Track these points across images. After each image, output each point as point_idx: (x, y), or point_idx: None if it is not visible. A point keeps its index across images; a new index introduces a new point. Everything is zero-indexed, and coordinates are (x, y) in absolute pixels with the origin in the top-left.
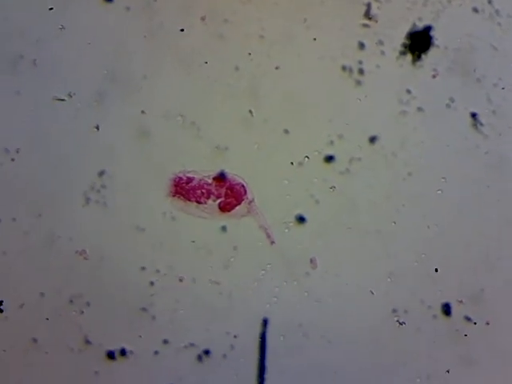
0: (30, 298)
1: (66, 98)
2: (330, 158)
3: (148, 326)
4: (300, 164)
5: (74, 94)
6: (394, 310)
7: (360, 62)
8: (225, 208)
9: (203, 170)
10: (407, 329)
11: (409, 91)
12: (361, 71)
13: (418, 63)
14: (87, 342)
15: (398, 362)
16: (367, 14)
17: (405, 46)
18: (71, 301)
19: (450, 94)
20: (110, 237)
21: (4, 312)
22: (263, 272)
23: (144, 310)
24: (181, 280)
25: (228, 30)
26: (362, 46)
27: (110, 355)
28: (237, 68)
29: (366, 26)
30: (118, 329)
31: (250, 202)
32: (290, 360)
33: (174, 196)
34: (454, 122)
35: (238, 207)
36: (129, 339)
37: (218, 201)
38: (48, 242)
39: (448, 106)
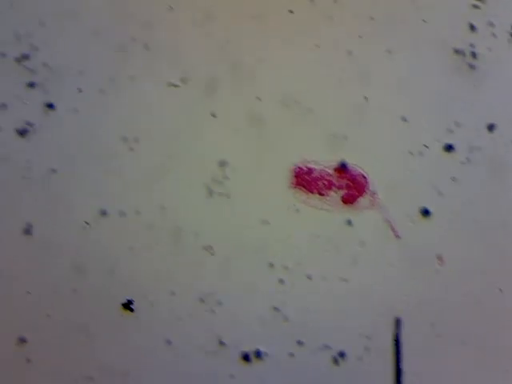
0: (161, 297)
1: (180, 84)
2: (449, 147)
3: (281, 327)
4: (420, 153)
5: (189, 79)
6: None
7: (472, 45)
8: (347, 200)
9: (323, 159)
10: None
11: None
12: (473, 55)
13: None
14: (221, 343)
15: None
16: None
17: None
18: (202, 299)
19: None
20: (235, 231)
21: (135, 312)
22: (391, 268)
23: (276, 309)
24: (309, 277)
25: (337, 11)
26: (472, 28)
27: (245, 357)
28: (349, 52)
29: (475, 6)
30: (251, 329)
31: (373, 194)
32: (426, 361)
33: (295, 187)
34: None
35: (360, 199)
36: (263, 340)
37: (341, 192)
38: (174, 236)
39: None
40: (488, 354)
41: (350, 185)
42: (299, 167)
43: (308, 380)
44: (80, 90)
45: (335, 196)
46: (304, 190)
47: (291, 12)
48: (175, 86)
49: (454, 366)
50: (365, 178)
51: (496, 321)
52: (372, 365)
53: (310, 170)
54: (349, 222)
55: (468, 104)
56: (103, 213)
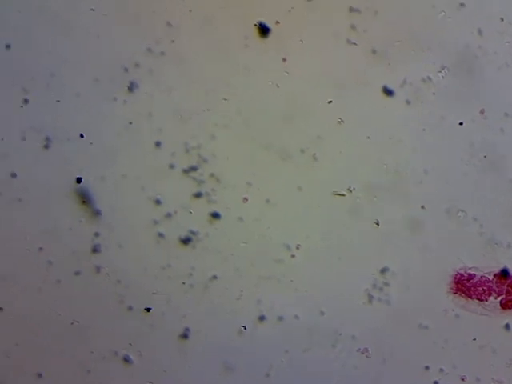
0: None
1: (345, 193)
2: None
3: None
4: None
5: (354, 188)
6: None
7: None
8: (506, 305)
9: (484, 266)
10: None
11: None
12: None
13: None
14: None
15: None
16: None
17: None
18: None
19: None
20: (392, 335)
21: None
22: None
23: None
24: (463, 379)
25: (508, 123)
26: None
27: None
28: None
29: None
30: None
31: None
32: None
33: (455, 293)
34: None
35: None
36: None
37: (500, 298)
38: (331, 340)
39: None
40: None
41: (510, 290)
42: (459, 273)
43: None
44: (246, 200)
45: (494, 302)
46: (463, 295)
47: (461, 124)
48: (340, 194)
49: None
50: None
51: None
52: None
53: (470, 276)
54: (507, 327)
55: None
56: (262, 318)
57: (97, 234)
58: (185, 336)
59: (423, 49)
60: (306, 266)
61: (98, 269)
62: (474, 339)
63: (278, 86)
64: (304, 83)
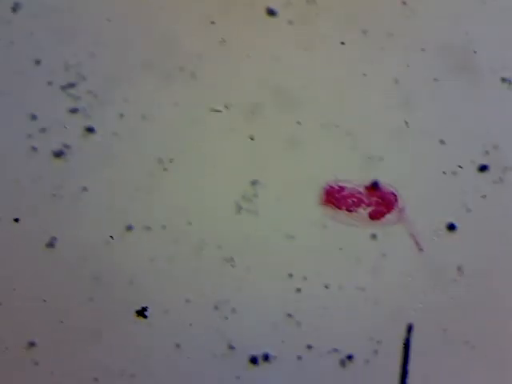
0: (175, 305)
1: (222, 110)
2: (483, 168)
3: (292, 332)
4: (453, 173)
5: (231, 105)
6: None
7: None
8: (375, 216)
9: (356, 179)
10: None
11: None
12: None
13: None
14: (230, 347)
15: None
16: None
17: None
18: (216, 307)
19: None
20: (258, 245)
21: (148, 318)
22: (410, 279)
23: (289, 315)
24: (327, 287)
25: (389, 42)
26: None
27: (253, 360)
28: (396, 80)
29: None
30: (261, 334)
31: (401, 210)
32: (433, 366)
33: (325, 204)
34: None
35: (388, 215)
36: (272, 344)
37: (369, 209)
38: (197, 249)
39: None
40: (498, 360)
41: (380, 202)
42: (330, 185)
43: (313, 382)
44: (122, 116)
45: (363, 212)
46: (333, 206)
47: (343, 43)
48: (217, 111)
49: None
50: (395, 195)
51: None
52: (378, 367)
53: (340, 189)
54: (373, 236)
55: (509, 126)
56: (129, 228)
57: None
58: (51, 245)
59: None
60: (177, 179)
61: None
62: (341, 248)
63: None
64: None
